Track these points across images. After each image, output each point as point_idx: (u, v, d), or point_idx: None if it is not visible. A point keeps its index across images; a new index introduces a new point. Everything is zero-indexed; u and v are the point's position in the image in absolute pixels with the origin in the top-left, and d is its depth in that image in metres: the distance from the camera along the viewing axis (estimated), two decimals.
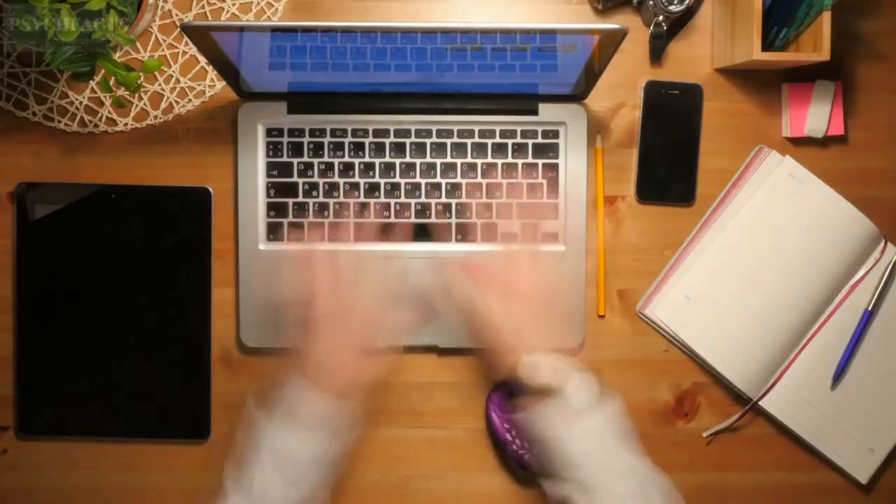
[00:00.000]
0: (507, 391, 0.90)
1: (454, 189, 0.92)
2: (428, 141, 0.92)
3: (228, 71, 0.86)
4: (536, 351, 0.79)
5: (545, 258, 0.90)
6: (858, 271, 0.93)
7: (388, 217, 0.92)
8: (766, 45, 0.87)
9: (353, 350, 0.80)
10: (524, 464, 0.89)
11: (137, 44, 0.93)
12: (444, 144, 0.92)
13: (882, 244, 0.93)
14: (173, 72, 0.93)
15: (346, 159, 0.92)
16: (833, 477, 0.94)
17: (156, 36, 0.93)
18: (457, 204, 0.92)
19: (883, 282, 0.92)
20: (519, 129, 0.92)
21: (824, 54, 0.84)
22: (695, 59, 0.94)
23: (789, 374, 0.93)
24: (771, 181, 0.92)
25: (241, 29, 0.78)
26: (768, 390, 0.92)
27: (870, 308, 0.92)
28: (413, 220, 0.92)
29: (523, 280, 0.84)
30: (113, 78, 0.82)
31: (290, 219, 0.92)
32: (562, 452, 0.75)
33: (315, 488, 0.78)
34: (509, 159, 0.92)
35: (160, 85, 0.93)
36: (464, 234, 0.92)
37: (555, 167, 0.92)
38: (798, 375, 0.93)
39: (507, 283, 0.83)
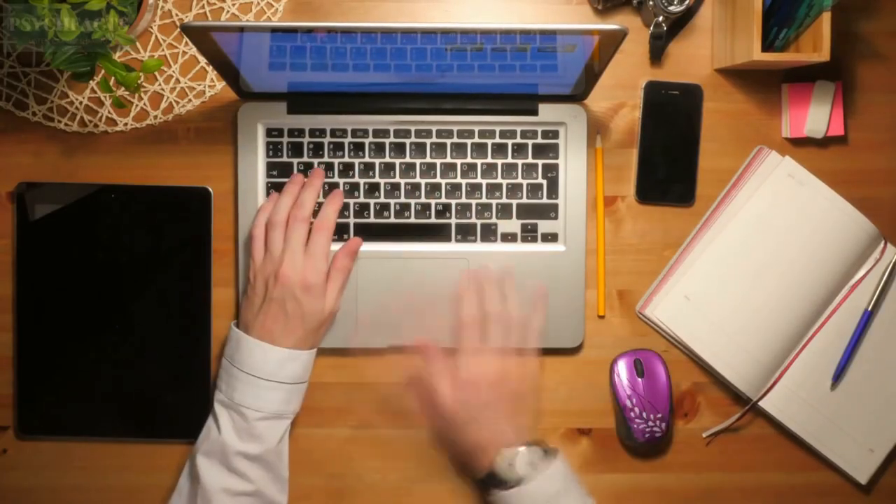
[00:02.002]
0: (633, 359, 0.92)
1: (454, 189, 0.92)
2: (428, 141, 0.92)
3: (228, 71, 0.86)
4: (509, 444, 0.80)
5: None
6: (858, 272, 0.93)
7: (388, 217, 0.92)
8: (766, 46, 0.87)
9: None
10: (634, 432, 0.91)
11: (137, 44, 0.93)
12: (444, 145, 0.92)
13: (882, 244, 0.93)
14: (173, 72, 0.93)
15: (346, 159, 0.92)
16: (833, 477, 0.94)
17: (156, 36, 0.93)
18: (457, 204, 0.92)
19: (883, 282, 0.92)
20: (519, 129, 0.92)
21: (824, 55, 0.84)
22: (695, 59, 0.94)
23: (789, 374, 0.93)
24: (770, 181, 0.92)
25: (241, 29, 0.78)
26: (768, 391, 0.92)
27: (869, 308, 0.92)
28: (413, 220, 0.92)
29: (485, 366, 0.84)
30: (113, 78, 0.82)
31: None
32: None
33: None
34: (509, 159, 0.92)
35: (160, 85, 0.93)
36: (463, 234, 0.92)
37: (555, 167, 0.92)
38: (798, 376, 0.93)
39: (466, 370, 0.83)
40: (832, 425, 0.92)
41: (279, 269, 0.85)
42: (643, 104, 0.93)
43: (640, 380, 0.91)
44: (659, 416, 0.91)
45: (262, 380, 0.84)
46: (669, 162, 0.93)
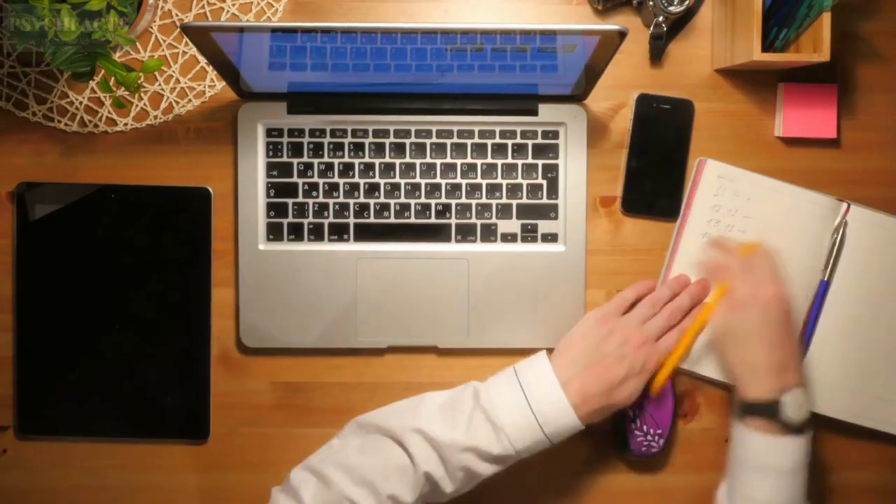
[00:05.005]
0: None
1: (454, 189, 0.92)
2: (428, 141, 0.92)
3: (228, 71, 0.86)
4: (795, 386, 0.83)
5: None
6: (828, 244, 0.92)
7: (388, 217, 0.92)
8: (766, 46, 0.88)
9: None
10: (631, 444, 0.91)
11: (137, 44, 0.93)
12: (444, 145, 0.92)
13: (843, 209, 0.91)
14: (173, 72, 0.93)
15: (346, 159, 0.92)
16: (835, 476, 0.94)
17: (156, 36, 0.93)
18: (457, 204, 0.92)
19: (837, 246, 0.91)
20: (519, 129, 0.92)
21: (824, 55, 0.84)
22: (694, 59, 0.94)
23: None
24: (706, 189, 0.92)
25: (241, 29, 0.78)
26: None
27: (825, 278, 0.91)
28: (413, 220, 0.92)
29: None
30: (113, 78, 0.82)
31: (290, 219, 0.92)
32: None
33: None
34: (509, 160, 0.92)
35: (160, 85, 0.93)
36: (463, 234, 0.92)
37: (555, 167, 0.92)
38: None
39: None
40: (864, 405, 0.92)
41: (632, 337, 0.85)
42: (634, 116, 0.93)
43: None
44: (658, 431, 0.90)
45: (542, 434, 0.81)
46: (657, 176, 0.93)
